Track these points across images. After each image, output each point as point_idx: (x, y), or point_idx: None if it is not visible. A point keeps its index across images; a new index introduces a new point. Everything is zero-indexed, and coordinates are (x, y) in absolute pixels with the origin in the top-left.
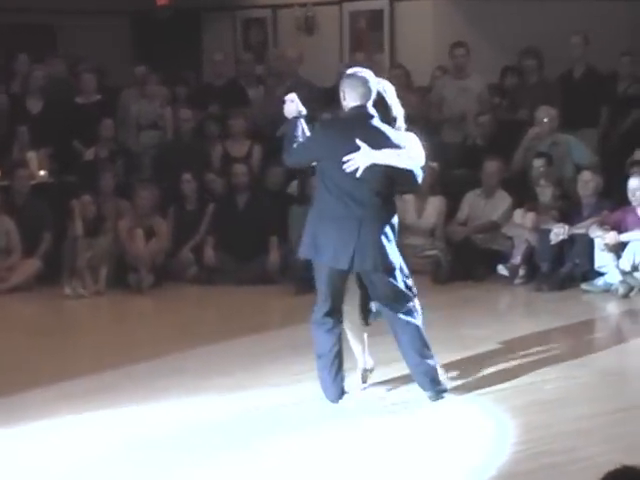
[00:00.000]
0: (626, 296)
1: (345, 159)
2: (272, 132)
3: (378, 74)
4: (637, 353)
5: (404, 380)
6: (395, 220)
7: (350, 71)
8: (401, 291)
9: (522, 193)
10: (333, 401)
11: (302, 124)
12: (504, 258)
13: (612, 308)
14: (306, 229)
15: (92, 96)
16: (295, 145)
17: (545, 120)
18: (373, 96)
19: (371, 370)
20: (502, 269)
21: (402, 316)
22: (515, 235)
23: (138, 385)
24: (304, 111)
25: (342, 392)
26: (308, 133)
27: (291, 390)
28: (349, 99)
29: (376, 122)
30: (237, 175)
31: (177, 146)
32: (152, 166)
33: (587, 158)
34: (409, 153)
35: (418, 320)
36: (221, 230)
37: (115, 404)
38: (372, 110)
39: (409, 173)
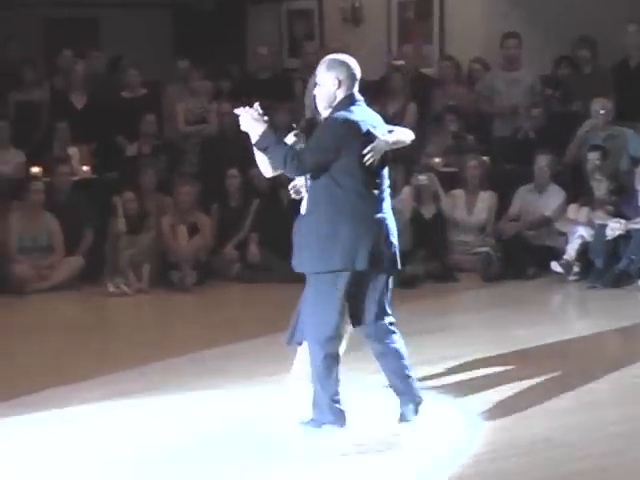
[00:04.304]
0: None
1: (365, 152)
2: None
3: (427, 66)
4: None
5: None
6: None
7: (340, 57)
8: None
9: (576, 187)
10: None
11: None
12: (557, 255)
13: None
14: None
15: (137, 91)
16: (304, 148)
17: (601, 112)
18: None
19: None
20: (556, 266)
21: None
22: (569, 231)
23: (181, 384)
24: (265, 116)
25: None
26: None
27: None
28: (345, 87)
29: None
30: None
31: (221, 141)
32: (197, 162)
33: None
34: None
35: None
36: (265, 226)
37: (159, 402)
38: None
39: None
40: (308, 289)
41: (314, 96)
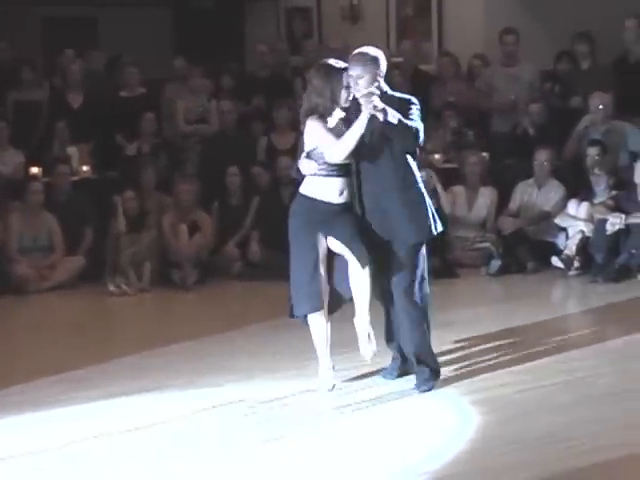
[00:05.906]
0: None
1: None
2: None
3: (425, 62)
4: None
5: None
6: None
7: (372, 51)
8: None
9: (576, 182)
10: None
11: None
12: (557, 250)
13: None
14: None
15: (136, 90)
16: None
17: (599, 107)
18: None
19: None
20: (556, 261)
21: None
22: (569, 226)
23: (182, 382)
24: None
25: None
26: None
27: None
28: (383, 78)
29: None
30: (282, 168)
31: (221, 139)
32: (197, 160)
33: None
34: None
35: None
36: (266, 224)
37: (160, 400)
38: None
39: None
40: (405, 262)
41: (344, 87)
